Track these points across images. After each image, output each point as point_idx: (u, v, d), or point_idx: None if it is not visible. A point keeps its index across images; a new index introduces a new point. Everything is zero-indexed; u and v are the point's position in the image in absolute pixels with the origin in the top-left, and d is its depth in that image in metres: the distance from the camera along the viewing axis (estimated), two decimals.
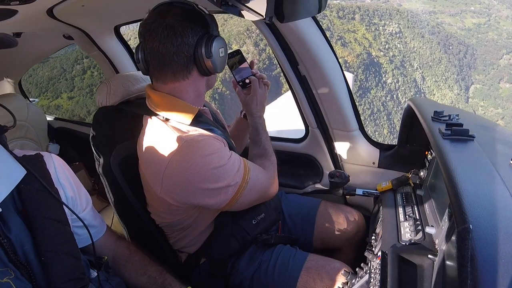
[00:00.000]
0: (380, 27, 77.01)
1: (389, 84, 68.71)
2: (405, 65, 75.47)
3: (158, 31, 1.26)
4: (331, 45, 1.75)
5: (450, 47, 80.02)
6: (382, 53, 73.79)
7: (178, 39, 1.27)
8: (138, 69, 2.47)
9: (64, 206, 1.07)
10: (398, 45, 78.02)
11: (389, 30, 77.93)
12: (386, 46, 76.01)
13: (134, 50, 1.46)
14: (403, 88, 69.35)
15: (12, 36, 1.03)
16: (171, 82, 1.36)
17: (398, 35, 78.13)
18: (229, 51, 1.53)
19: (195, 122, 1.39)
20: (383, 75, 69.84)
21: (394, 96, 67.02)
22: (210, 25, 1.32)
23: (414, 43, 79.11)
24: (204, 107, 1.51)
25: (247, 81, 1.61)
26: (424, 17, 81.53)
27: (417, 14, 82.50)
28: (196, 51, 1.30)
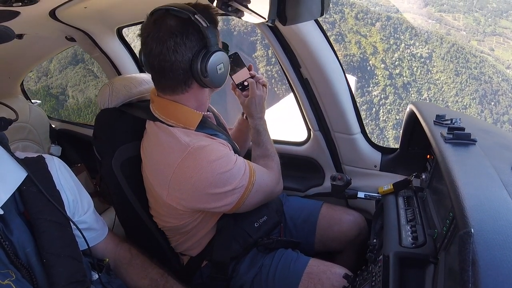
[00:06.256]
0: (403, 44, 69.22)
1: (373, 97, 62.56)
2: (410, 89, 67.19)
3: (152, 46, 1.25)
4: (333, 47, 1.75)
5: (493, 103, 67.96)
6: (383, 65, 66.88)
7: (172, 56, 1.24)
8: (141, 71, 2.50)
9: (65, 210, 1.08)
10: (415, 68, 69.33)
11: (413, 51, 69.70)
12: (396, 63, 68.25)
13: (137, 53, 1.45)
14: (389, 107, 62.23)
15: (8, 27, 1.01)
16: (169, 94, 1.36)
17: (422, 60, 69.57)
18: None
19: (200, 128, 1.39)
20: (371, 86, 63.85)
21: (373, 109, 60.78)
22: (208, 38, 1.25)
23: (440, 76, 69.70)
24: (208, 112, 1.51)
25: (245, 83, 1.61)
26: (474, 60, 70.59)
27: (473, 54, 71.91)
28: (192, 67, 1.27)
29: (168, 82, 1.32)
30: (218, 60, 1.28)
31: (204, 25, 1.23)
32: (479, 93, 67.80)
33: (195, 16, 1.22)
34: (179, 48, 1.23)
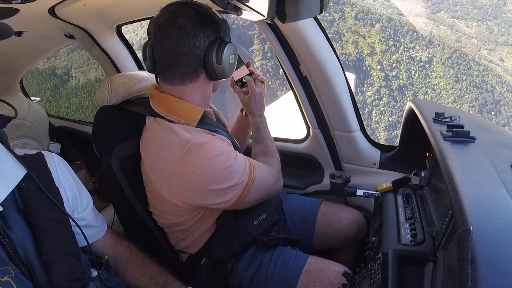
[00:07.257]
0: (402, 47, 66.78)
1: (367, 97, 60.90)
2: (406, 92, 64.71)
3: (170, 30, 1.25)
4: (332, 45, 1.75)
5: (493, 113, 64.66)
6: (379, 66, 64.74)
7: (190, 41, 1.26)
8: (140, 69, 2.50)
9: (64, 207, 1.07)
10: (413, 71, 66.90)
11: (412, 54, 67.10)
12: (393, 65, 66.09)
13: (141, 48, 1.45)
14: (383, 109, 60.63)
15: (6, 25, 1.02)
16: (178, 83, 1.35)
17: (422, 64, 67.05)
18: None
19: (200, 124, 1.39)
20: (365, 86, 62.04)
21: (366, 110, 59.44)
22: (222, 30, 1.32)
23: (439, 81, 67.26)
24: (208, 109, 1.51)
25: (244, 80, 1.63)
26: (477, 68, 67.51)
27: (476, 62, 68.50)
28: (206, 55, 1.29)
29: (180, 68, 1.31)
30: (231, 51, 1.34)
31: (220, 17, 1.33)
32: (479, 101, 65.90)
33: (212, 10, 1.31)
34: (198, 33, 1.27)
